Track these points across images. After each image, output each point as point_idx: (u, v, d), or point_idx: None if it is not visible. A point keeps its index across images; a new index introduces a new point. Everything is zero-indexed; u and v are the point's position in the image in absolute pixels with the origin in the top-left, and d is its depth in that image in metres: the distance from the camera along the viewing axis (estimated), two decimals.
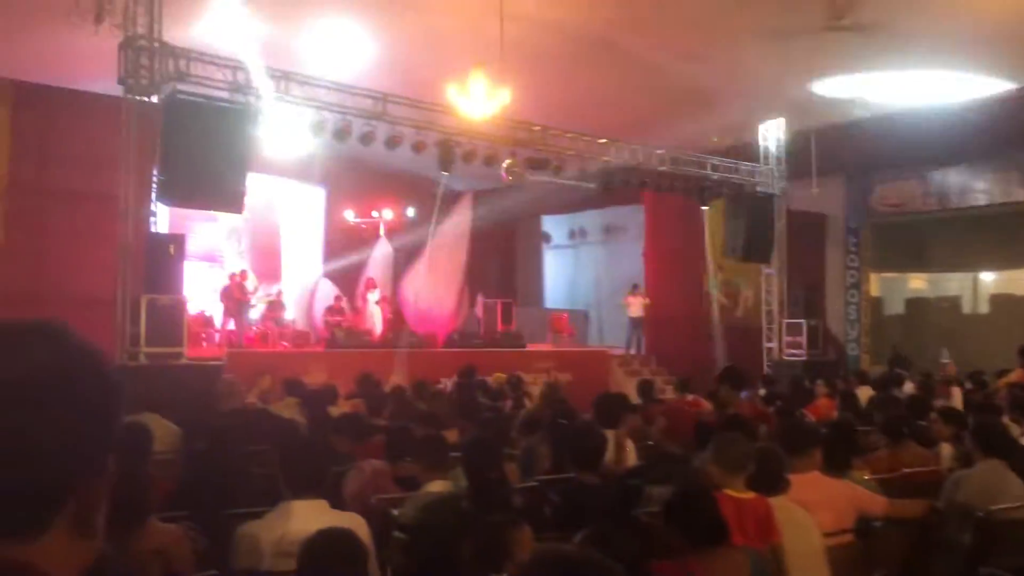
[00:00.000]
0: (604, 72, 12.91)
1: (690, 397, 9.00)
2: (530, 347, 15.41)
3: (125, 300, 9.61)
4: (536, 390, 9.89)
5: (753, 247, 15.56)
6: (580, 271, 20.03)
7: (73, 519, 0.90)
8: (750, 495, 3.76)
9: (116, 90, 9.98)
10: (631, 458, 5.73)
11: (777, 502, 3.82)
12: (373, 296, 15.95)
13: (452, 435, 6.21)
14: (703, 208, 15.62)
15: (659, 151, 14.53)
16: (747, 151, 15.94)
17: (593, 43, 12.09)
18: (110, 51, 9.90)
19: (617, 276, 18.27)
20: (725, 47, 12.17)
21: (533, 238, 20.76)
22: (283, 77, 11.02)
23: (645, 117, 14.16)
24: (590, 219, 19.46)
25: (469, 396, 8.34)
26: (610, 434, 5.33)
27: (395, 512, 4.10)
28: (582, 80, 13.16)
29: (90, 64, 10.40)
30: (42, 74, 10.32)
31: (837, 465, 4.59)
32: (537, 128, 13.20)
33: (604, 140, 13.93)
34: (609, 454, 5.17)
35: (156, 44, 9.97)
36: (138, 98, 9.85)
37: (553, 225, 20.57)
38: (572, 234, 20.28)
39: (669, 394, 12.00)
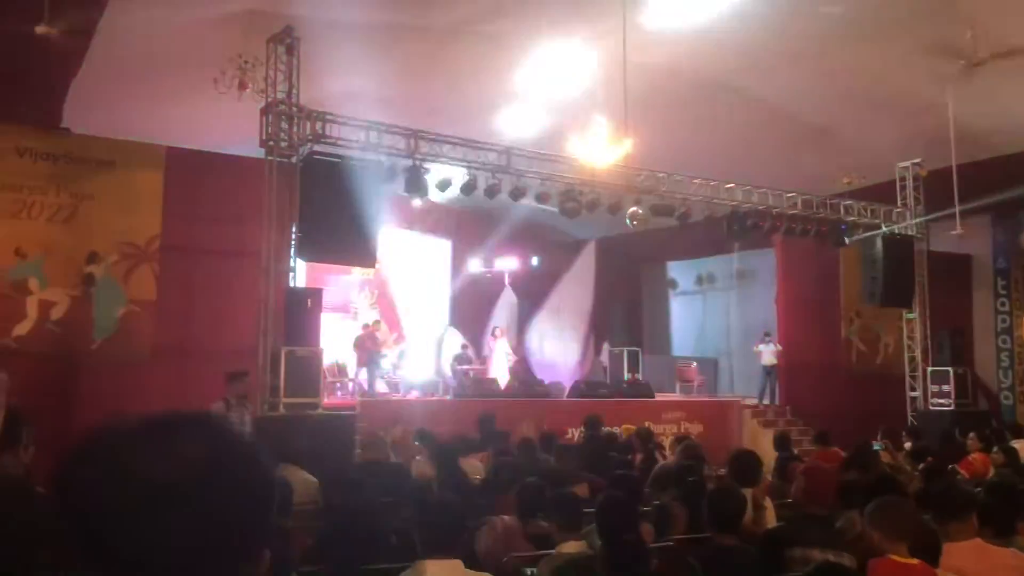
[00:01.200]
0: (730, 116, 12.74)
1: (831, 450, 8.59)
2: (658, 397, 15.12)
3: (266, 352, 10.02)
4: (666, 442, 9.66)
5: (892, 291, 14.87)
6: (709, 318, 19.60)
7: None
8: (915, 562, 3.52)
9: (258, 152, 10.54)
10: (770, 519, 5.48)
11: (941, 573, 3.57)
12: (500, 345, 16.07)
13: (582, 490, 6.12)
14: (838, 252, 15.06)
15: (789, 194, 14.16)
16: (883, 192, 15.33)
17: (718, 87, 11.98)
18: (252, 116, 10.49)
19: (748, 323, 17.77)
20: (857, 86, 11.81)
21: (659, 285, 20.51)
22: (412, 135, 11.38)
23: (774, 160, 13.85)
24: (718, 264, 19.07)
25: (598, 449, 8.21)
26: (747, 492, 5.13)
27: (530, 571, 4.05)
28: (707, 125, 13.03)
29: (234, 128, 11.05)
30: (190, 139, 10.99)
31: (1000, 531, 4.23)
32: (662, 174, 13.11)
33: (731, 184, 13.69)
34: (747, 514, 4.97)
35: (294, 108, 10.50)
36: (278, 159, 10.38)
37: (680, 271, 20.28)
38: (700, 280, 19.92)
39: (806, 446, 11.51)
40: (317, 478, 6.19)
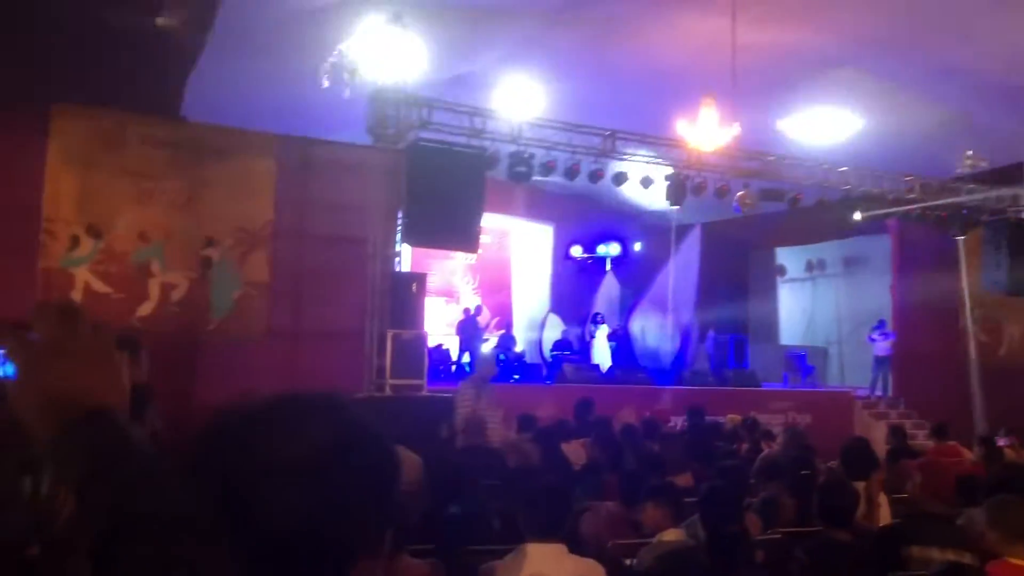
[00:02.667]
0: (842, 96, 12.27)
1: (949, 444, 8.22)
2: (765, 386, 14.77)
3: (373, 335, 10.25)
4: (774, 432, 9.43)
5: (1018, 279, 14.07)
6: (818, 305, 18.98)
7: None
8: None
9: (365, 138, 10.75)
10: (884, 514, 5.28)
11: None
12: (601, 331, 15.99)
13: (685, 479, 6.04)
14: (958, 238, 14.36)
15: (907, 178, 13.56)
16: (1008, 174, 14.49)
17: (830, 66, 11.55)
18: (360, 103, 10.70)
19: (860, 311, 17.13)
20: (980, 60, 11.18)
21: (767, 271, 19.98)
22: (516, 120, 11.40)
23: (890, 142, 13.27)
24: (829, 250, 18.43)
25: (702, 438, 8.08)
26: (860, 486, 4.95)
27: (630, 562, 4.02)
28: (821, 104, 12.58)
29: (341, 116, 11.30)
30: (301, 127, 11.29)
31: None
32: (771, 158, 12.75)
33: (845, 167, 13.20)
34: (860, 508, 4.80)
35: (401, 95, 10.66)
36: (385, 146, 10.57)
37: (788, 257, 19.69)
38: (809, 266, 19.30)
39: (920, 440, 11.06)
40: (421, 457, 6.29)
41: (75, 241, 9.96)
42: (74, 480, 0.82)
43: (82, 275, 10.02)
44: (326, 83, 10.97)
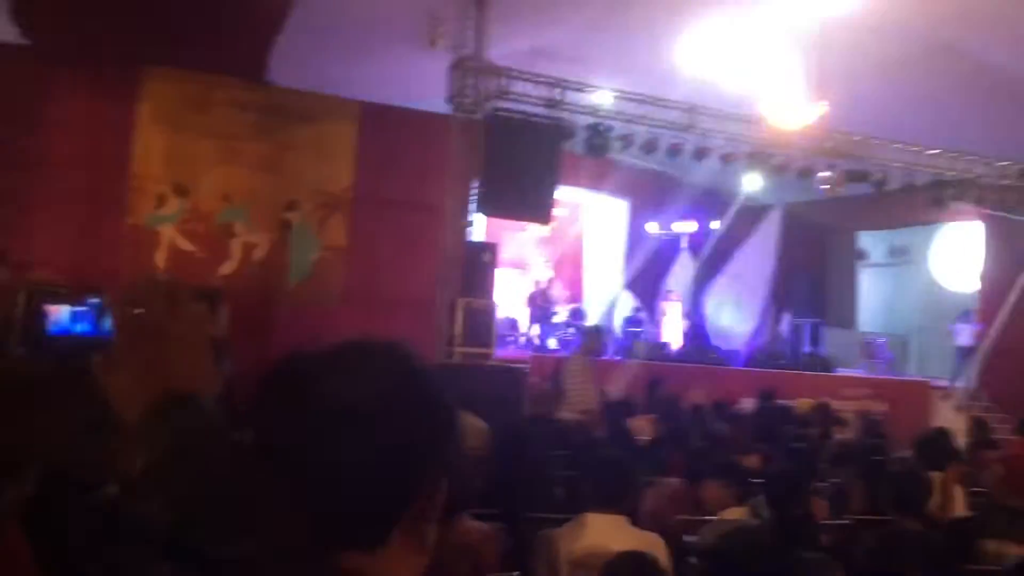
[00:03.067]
0: (936, 76, 11.77)
1: None
2: (839, 372, 14.44)
3: (444, 302, 10.36)
4: (847, 419, 9.23)
5: None
6: (900, 293, 18.40)
7: (408, 532, 0.93)
8: None
9: (444, 108, 10.80)
10: (959, 506, 5.13)
11: None
12: (672, 309, 15.83)
13: (753, 461, 5.96)
14: None
15: (1002, 163, 13.00)
16: None
17: (925, 44, 11.09)
18: (440, 71, 10.73)
19: (943, 300, 16.58)
20: None
21: (847, 255, 19.42)
22: (595, 91, 11.29)
23: (985, 125, 12.71)
24: (914, 236, 17.83)
25: (772, 421, 7.96)
26: (935, 477, 4.82)
27: (691, 539, 4.00)
28: (910, 86, 12.10)
29: (422, 84, 11.35)
30: (381, 95, 11.40)
31: None
32: (858, 138, 12.36)
33: (936, 151, 12.72)
34: (934, 499, 4.67)
35: (482, 65, 10.65)
36: (463, 115, 10.59)
37: (871, 242, 19.11)
38: (892, 252, 18.70)
39: (1003, 435, 10.68)
40: (488, 425, 6.35)
41: (162, 199, 10.29)
42: (156, 461, 0.85)
43: (167, 233, 10.35)
44: (411, 50, 11.03)
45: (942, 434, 5.67)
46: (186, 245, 10.46)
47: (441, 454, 0.98)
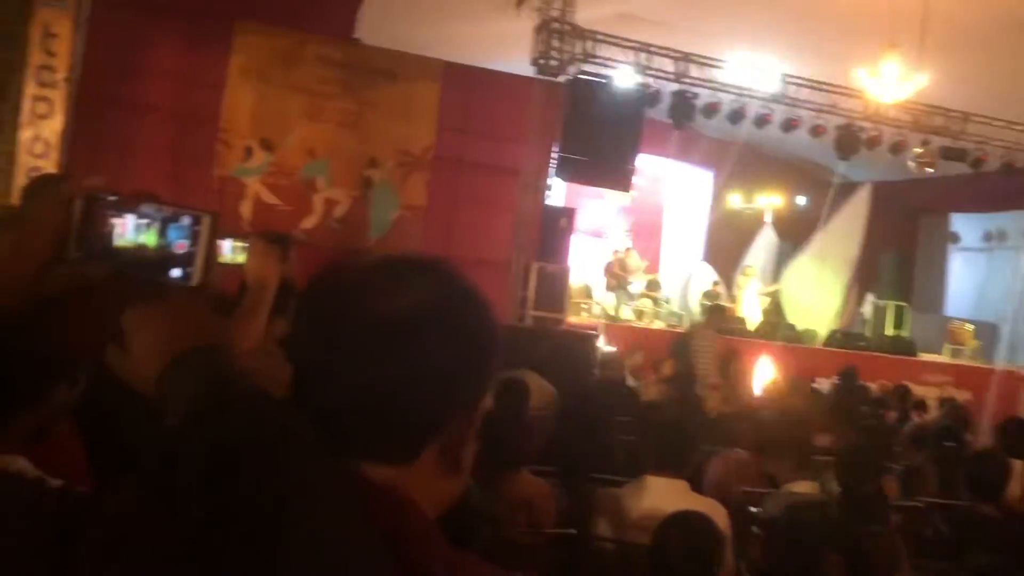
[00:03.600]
0: None
1: None
2: (922, 356, 13.98)
3: (518, 265, 10.38)
4: (927, 404, 8.94)
5: None
6: (993, 278, 17.63)
7: (442, 453, 0.92)
8: None
9: (527, 70, 10.73)
10: None
11: None
12: (750, 284, 15.52)
13: (826, 439, 5.84)
14: None
15: None
16: None
17: None
18: (525, 33, 10.66)
19: None
20: None
21: (938, 237, 18.72)
22: (682, 58, 11.06)
23: None
24: (1012, 220, 17.04)
25: (848, 400, 7.78)
26: (1017, 464, 4.64)
27: (755, 510, 3.94)
28: (1017, 61, 11.50)
29: (506, 46, 11.29)
30: (465, 55, 11.37)
31: None
32: (956, 114, 11.84)
33: None
34: (1012, 489, 4.50)
35: (567, 27, 10.53)
36: (547, 78, 10.52)
37: (964, 224, 18.36)
38: (987, 236, 17.92)
39: None
40: (555, 388, 6.38)
41: (248, 152, 10.50)
42: (178, 411, 0.84)
43: (253, 185, 10.58)
44: (497, 11, 10.97)
45: None
46: (270, 198, 10.68)
47: (482, 376, 0.96)
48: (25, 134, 9.06)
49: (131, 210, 0.98)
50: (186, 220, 0.98)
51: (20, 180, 8.85)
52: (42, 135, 9.17)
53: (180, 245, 0.98)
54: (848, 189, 16.18)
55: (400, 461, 0.90)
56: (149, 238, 0.99)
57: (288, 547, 0.71)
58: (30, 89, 9.07)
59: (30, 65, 9.05)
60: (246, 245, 2.22)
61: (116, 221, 0.99)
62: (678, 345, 9.29)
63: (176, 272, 0.97)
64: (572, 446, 4.53)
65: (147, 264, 0.97)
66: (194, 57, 10.12)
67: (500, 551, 3.31)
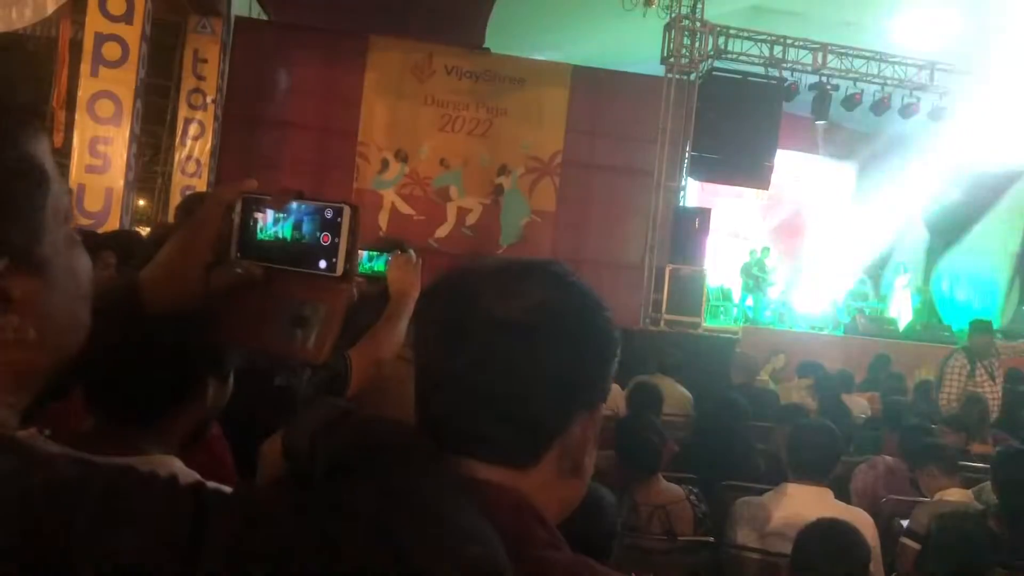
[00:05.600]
0: None
1: None
2: None
3: (652, 268, 10.24)
4: None
5: None
6: None
7: (562, 456, 0.91)
8: None
9: (656, 70, 10.59)
10: None
11: None
12: (902, 282, 14.76)
13: (984, 447, 5.48)
14: None
15: None
16: None
17: None
18: (653, 33, 10.53)
19: None
20: None
21: None
22: (819, 49, 10.65)
23: None
24: None
25: (1015, 404, 7.24)
26: None
27: (903, 522, 3.72)
28: None
29: (635, 46, 11.19)
30: (593, 58, 11.35)
31: None
32: None
33: None
34: None
35: (698, 23, 10.34)
36: (678, 76, 10.35)
37: None
38: None
39: None
40: (692, 394, 6.24)
41: (385, 164, 10.84)
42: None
43: (389, 196, 10.91)
44: (625, 11, 10.89)
45: None
46: (406, 208, 10.98)
47: (600, 379, 0.95)
48: (179, 155, 9.67)
49: (280, 208, 1.04)
50: (328, 213, 1.02)
51: (175, 198, 9.47)
52: (194, 155, 9.77)
53: (324, 237, 1.02)
54: (1004, 180, 15.15)
55: (520, 464, 0.89)
56: (286, 231, 1.03)
57: (407, 538, 0.71)
58: (183, 112, 9.68)
59: (183, 89, 9.67)
60: (386, 255, 2.28)
61: (258, 216, 1.05)
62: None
63: (322, 263, 1.02)
64: (710, 452, 4.41)
65: (296, 258, 1.02)
66: (331, 74, 10.54)
67: (635, 558, 3.26)
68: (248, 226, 1.04)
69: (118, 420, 1.29)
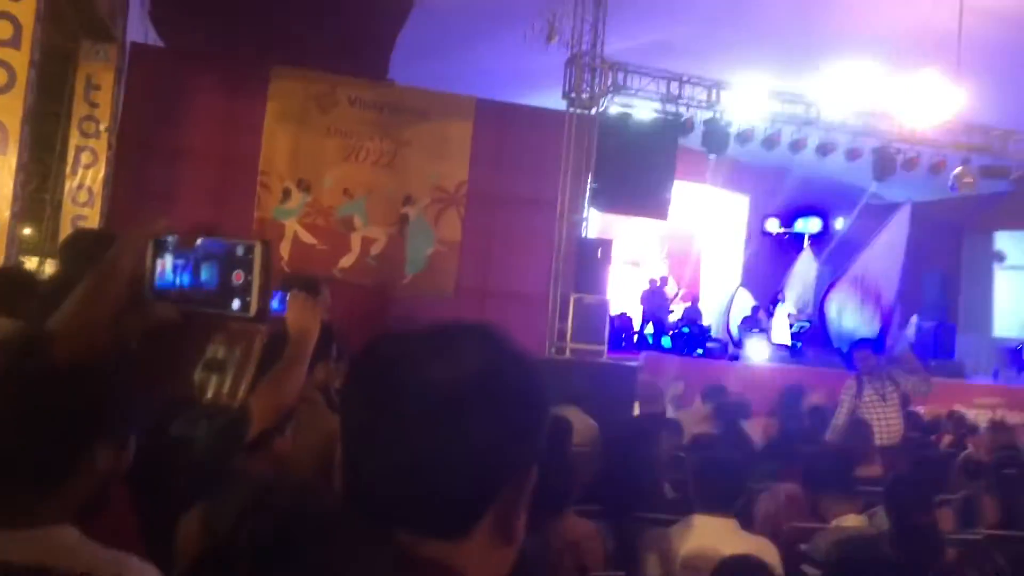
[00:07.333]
0: None
1: None
2: (971, 380, 13.67)
3: (556, 298, 10.37)
4: (979, 428, 8.73)
5: None
6: None
7: (495, 523, 0.90)
8: None
9: (559, 103, 10.79)
10: None
11: None
12: (781, 309, 15.37)
13: (875, 469, 5.72)
14: None
15: None
16: None
17: None
18: (555, 68, 10.74)
19: None
20: None
21: (982, 256, 18.39)
22: (713, 86, 11.06)
23: None
24: None
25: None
26: None
27: (804, 547, 3.86)
28: None
29: (538, 80, 11.38)
30: (496, 91, 11.48)
31: None
32: (997, 132, 11.67)
33: None
34: None
35: (598, 60, 10.60)
36: (579, 111, 10.57)
37: (1009, 242, 18.03)
38: None
39: None
40: (597, 423, 6.32)
41: (287, 193, 10.66)
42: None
43: (291, 226, 10.72)
44: (527, 46, 11.07)
45: None
46: (308, 238, 10.81)
47: (533, 443, 0.94)
48: (70, 184, 9.29)
49: (191, 247, 1.01)
50: (240, 250, 0.99)
51: (66, 228, 9.07)
52: (86, 184, 9.40)
53: (237, 276, 0.99)
54: (887, 210, 15.97)
55: (453, 536, 0.88)
56: (198, 271, 1.01)
57: None
58: (74, 140, 9.31)
59: (75, 116, 9.31)
60: (285, 296, 2.23)
61: (169, 256, 1.02)
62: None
63: (235, 304, 0.99)
64: (617, 484, 4.48)
65: (209, 299, 0.99)
66: (231, 103, 10.33)
67: None
68: (159, 268, 1.01)
69: (8, 488, 1.22)
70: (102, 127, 9.28)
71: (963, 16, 9.30)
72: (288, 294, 2.18)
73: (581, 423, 6.00)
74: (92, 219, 9.26)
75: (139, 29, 9.77)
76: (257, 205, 10.48)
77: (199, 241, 1.01)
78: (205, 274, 1.00)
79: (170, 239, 1.02)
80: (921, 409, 9.52)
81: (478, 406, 0.88)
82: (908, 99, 10.37)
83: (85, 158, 9.31)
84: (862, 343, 8.40)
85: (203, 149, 10.15)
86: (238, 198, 10.31)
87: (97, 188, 9.35)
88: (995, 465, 5.18)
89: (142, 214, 9.45)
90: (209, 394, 1.05)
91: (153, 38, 10.26)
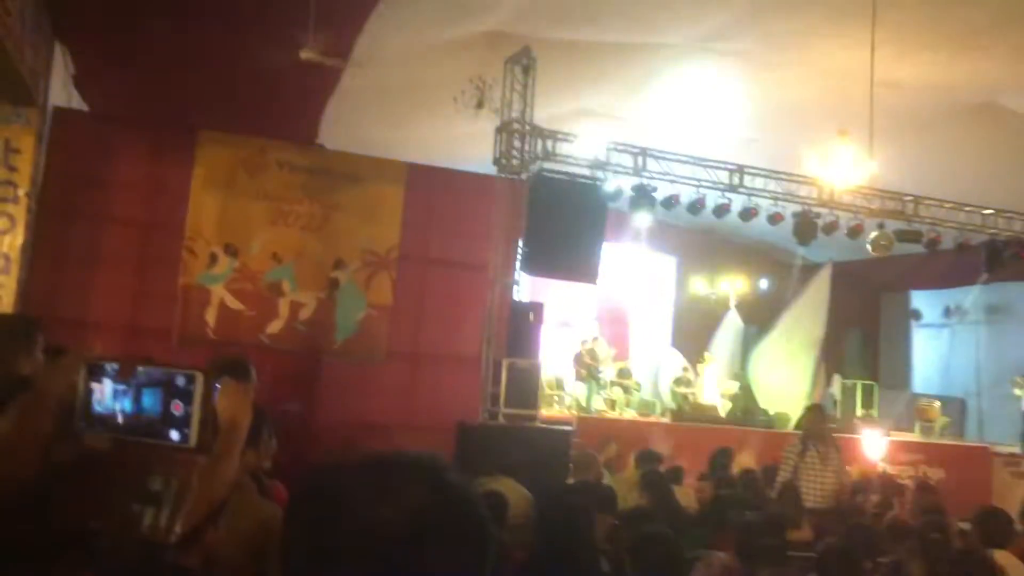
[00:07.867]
0: (988, 138, 11.62)
1: None
2: (894, 436, 14.03)
3: (489, 362, 10.33)
4: (904, 486, 8.93)
5: None
6: (956, 354, 17.91)
7: None
8: None
9: (490, 169, 10.92)
10: None
11: None
12: (709, 370, 15.62)
13: (804, 533, 5.79)
14: None
15: None
16: None
17: (976, 108, 10.99)
18: (486, 133, 10.88)
19: (1001, 361, 16.10)
20: None
21: (900, 314, 19.07)
22: (640, 153, 11.33)
23: None
24: (970, 296, 17.42)
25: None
26: (999, 556, 4.61)
27: None
28: (962, 147, 11.96)
29: (467, 146, 11.52)
30: (427, 156, 11.56)
31: None
32: (909, 198, 12.20)
33: (991, 211, 12.49)
34: None
35: (527, 127, 10.77)
36: (509, 176, 10.70)
37: (924, 301, 18.75)
38: (948, 312, 18.29)
39: None
40: (531, 491, 6.27)
41: (213, 258, 10.46)
42: None
43: (218, 292, 10.50)
44: (457, 113, 11.20)
45: (999, 509, 5.44)
46: (236, 304, 10.59)
47: (478, 570, 0.93)
48: None
49: (127, 375, 0.98)
50: (180, 380, 0.97)
51: None
52: (3, 250, 9.07)
53: (176, 406, 0.97)
54: (810, 270, 16.48)
55: None
56: (134, 399, 0.98)
57: None
58: None
59: None
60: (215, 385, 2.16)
61: (103, 383, 0.99)
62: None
63: (174, 434, 0.96)
64: (554, 559, 4.42)
65: (146, 428, 0.96)
66: (157, 168, 10.17)
67: None
68: (92, 395, 0.97)
69: None
70: (21, 192, 9.01)
71: (874, 88, 9.74)
72: (218, 381, 2.12)
73: (516, 494, 5.95)
74: (8, 287, 8.92)
75: (62, 93, 9.58)
76: (183, 271, 10.26)
77: (139, 368, 0.98)
78: (142, 403, 0.98)
79: (108, 365, 0.99)
80: (849, 467, 9.70)
81: (423, 545, 0.86)
82: (825, 166, 10.77)
83: (2, 224, 9.00)
84: (811, 407, 8.65)
85: (127, 214, 9.93)
86: (162, 264, 10.09)
87: (15, 254, 9.03)
88: (922, 529, 5.28)
89: (63, 282, 9.20)
90: (144, 527, 1.00)
91: (77, 102, 10.06)
